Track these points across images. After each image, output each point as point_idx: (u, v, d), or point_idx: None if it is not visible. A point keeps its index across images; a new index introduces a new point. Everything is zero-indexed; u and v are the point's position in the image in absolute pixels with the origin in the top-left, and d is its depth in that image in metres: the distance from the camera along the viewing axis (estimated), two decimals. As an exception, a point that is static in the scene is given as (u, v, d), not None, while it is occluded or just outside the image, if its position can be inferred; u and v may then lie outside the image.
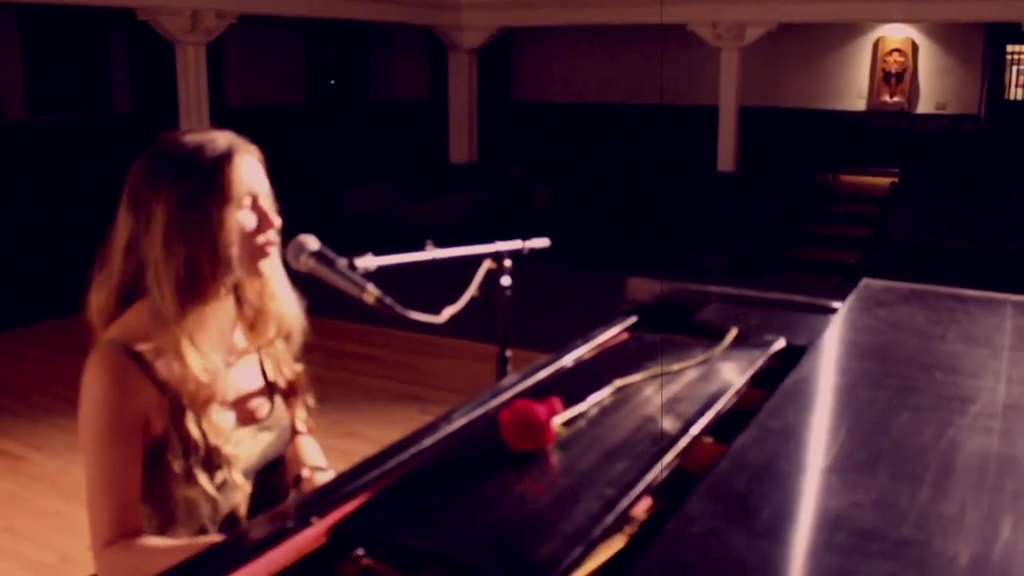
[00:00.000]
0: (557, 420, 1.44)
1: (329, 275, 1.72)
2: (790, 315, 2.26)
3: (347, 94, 14.88)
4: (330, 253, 1.73)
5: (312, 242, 1.74)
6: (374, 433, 4.89)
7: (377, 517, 1.24)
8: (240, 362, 1.78)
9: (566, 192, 11.73)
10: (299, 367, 1.90)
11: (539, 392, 1.73)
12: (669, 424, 1.49)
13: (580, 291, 7.95)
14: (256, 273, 1.72)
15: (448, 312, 1.89)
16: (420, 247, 2.04)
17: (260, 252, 1.69)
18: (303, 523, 1.28)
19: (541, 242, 2.39)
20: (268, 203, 1.71)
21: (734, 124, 11.63)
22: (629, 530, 1.35)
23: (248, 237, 1.67)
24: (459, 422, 1.58)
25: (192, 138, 1.66)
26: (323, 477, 1.85)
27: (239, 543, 1.29)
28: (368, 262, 1.81)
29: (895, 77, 13.79)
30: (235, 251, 1.65)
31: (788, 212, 11.14)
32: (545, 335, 6.20)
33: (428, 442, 1.49)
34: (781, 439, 1.29)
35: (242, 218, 1.66)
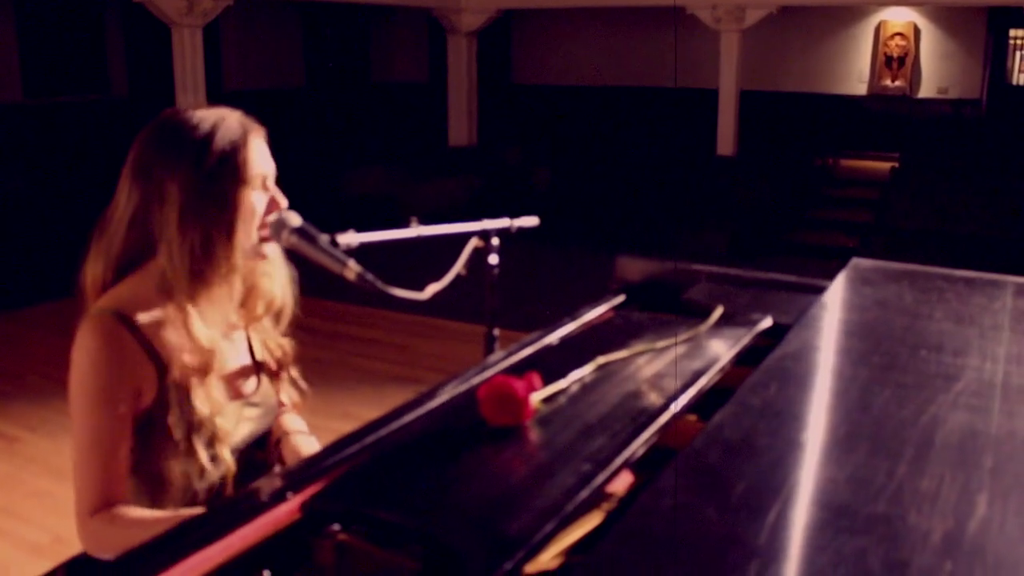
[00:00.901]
0: (536, 396, 1.43)
1: (311, 251, 1.70)
2: (779, 295, 2.25)
3: (346, 77, 14.81)
4: (312, 229, 1.72)
5: (294, 218, 1.72)
6: (369, 414, 4.76)
7: (350, 491, 1.23)
8: (231, 337, 1.79)
9: (565, 175, 11.67)
10: (286, 342, 1.90)
11: (522, 369, 1.72)
12: (650, 400, 1.48)
13: (578, 274, 7.92)
14: (262, 255, 1.73)
15: (432, 289, 1.88)
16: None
17: (267, 234, 1.70)
18: (279, 498, 1.27)
19: (530, 220, 2.37)
20: (274, 183, 1.72)
21: (734, 107, 11.55)
22: (607, 506, 1.35)
23: (259, 218, 1.69)
24: (440, 399, 1.57)
25: (204, 117, 1.66)
26: (304, 440, 1.87)
27: (213, 518, 1.28)
28: (350, 239, 1.80)
29: (897, 61, 13.69)
30: (247, 232, 1.67)
31: (787, 196, 11.07)
32: (540, 318, 6.21)
33: (408, 418, 1.49)
34: (760, 415, 1.28)
35: (256, 199, 1.67)
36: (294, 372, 1.93)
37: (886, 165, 12.14)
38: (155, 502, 1.67)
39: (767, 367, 1.47)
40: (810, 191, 11.91)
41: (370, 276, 1.67)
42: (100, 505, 1.58)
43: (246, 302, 1.81)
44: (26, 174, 10.00)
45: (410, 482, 1.26)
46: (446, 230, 2.12)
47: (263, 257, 1.73)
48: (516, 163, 12.42)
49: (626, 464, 1.27)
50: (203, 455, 1.64)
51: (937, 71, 13.58)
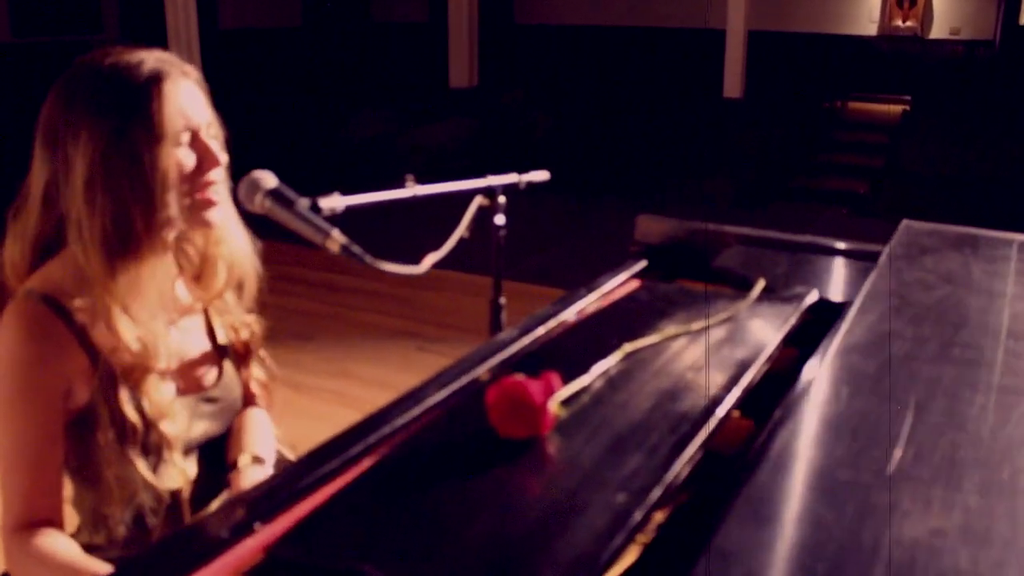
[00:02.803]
0: (556, 399, 1.19)
1: (288, 218, 1.46)
2: (820, 261, 2.01)
3: (344, 16, 14.40)
4: (290, 192, 1.47)
5: (269, 179, 1.47)
6: (368, 372, 4.63)
7: (324, 534, 0.99)
8: (183, 321, 1.54)
9: (568, 117, 11.36)
10: (253, 320, 1.66)
11: (535, 356, 1.48)
12: (690, 402, 1.24)
13: (581, 221, 7.67)
14: (203, 224, 1.46)
15: (429, 261, 1.64)
16: (413, 173, 1.77)
17: (204, 198, 1.43)
18: (243, 531, 1.03)
19: (540, 175, 2.13)
20: (211, 136, 1.43)
21: (741, 48, 11.25)
22: (643, 538, 1.12)
23: (188, 180, 1.40)
24: (437, 397, 1.32)
25: (113, 60, 1.38)
26: (258, 474, 1.59)
27: (166, 558, 1.04)
28: (335, 202, 1.54)
29: (908, 1, 13.35)
30: (173, 198, 1.39)
31: (796, 139, 10.81)
32: (544, 269, 5.95)
33: (399, 422, 1.24)
34: (833, 434, 1.03)
35: (180, 157, 1.39)
36: (263, 353, 1.69)
37: (897, 108, 11.89)
38: (98, 510, 1.46)
39: (831, 365, 1.23)
40: (819, 134, 11.64)
41: (357, 249, 1.43)
42: (27, 521, 1.36)
43: (201, 276, 1.56)
44: (14, 116, 9.70)
45: (397, 519, 1.02)
46: (446, 188, 1.86)
47: (207, 225, 1.46)
48: (518, 105, 12.08)
49: (669, 491, 1.03)
50: (140, 464, 1.41)
51: (949, 11, 13.23)
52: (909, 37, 13.37)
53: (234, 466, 1.58)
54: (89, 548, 1.50)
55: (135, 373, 1.39)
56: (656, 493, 0.99)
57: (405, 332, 5.30)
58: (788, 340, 1.57)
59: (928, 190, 8.77)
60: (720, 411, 1.20)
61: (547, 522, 0.97)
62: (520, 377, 1.17)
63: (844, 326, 1.38)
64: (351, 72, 13.64)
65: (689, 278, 2.01)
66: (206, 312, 1.60)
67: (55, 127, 1.36)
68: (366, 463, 1.15)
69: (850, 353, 1.26)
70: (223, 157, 1.43)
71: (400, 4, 15.28)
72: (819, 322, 1.66)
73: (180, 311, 1.54)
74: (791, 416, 1.10)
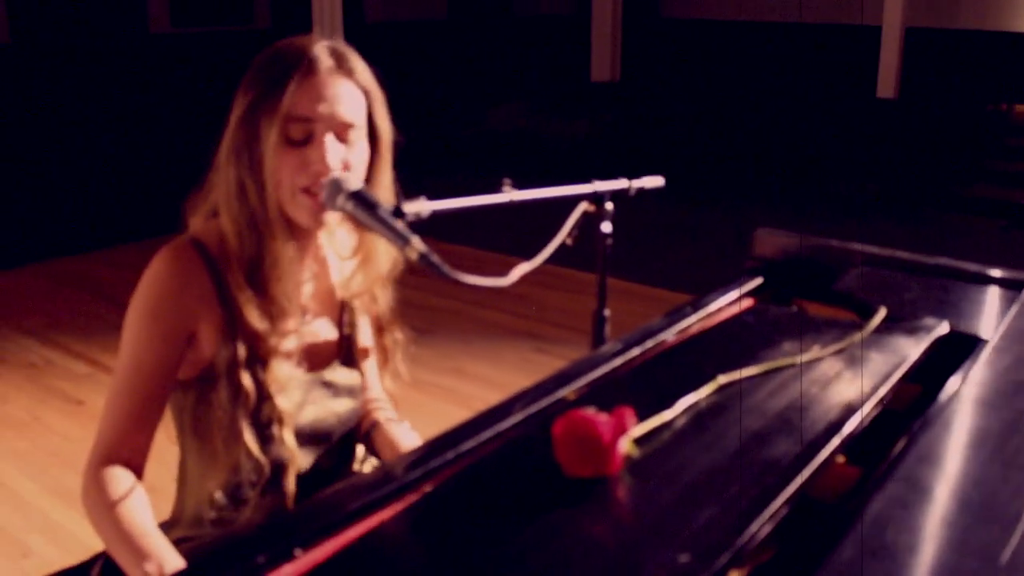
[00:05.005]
0: (627, 438, 1.08)
1: (370, 221, 1.39)
2: (957, 287, 1.82)
3: (488, 8, 14.48)
4: (371, 196, 1.40)
5: (352, 181, 1.41)
6: (483, 371, 4.57)
7: (361, 569, 0.91)
8: (319, 308, 1.56)
9: (711, 114, 11.08)
10: (394, 324, 1.66)
11: (619, 383, 1.37)
12: (783, 447, 1.11)
13: (714, 228, 7.41)
14: (307, 222, 1.45)
15: (518, 272, 1.54)
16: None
17: (305, 199, 1.41)
18: (282, 557, 0.97)
19: (653, 181, 2.00)
20: (339, 139, 1.42)
21: (898, 45, 10.75)
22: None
23: (293, 171, 1.40)
24: (514, 419, 1.23)
25: (291, 43, 1.44)
26: (399, 429, 1.66)
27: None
28: (420, 207, 1.46)
29: (1090, -5, 12.50)
30: (279, 183, 1.40)
31: (953, 145, 10.24)
32: (665, 272, 5.75)
33: (467, 446, 1.16)
34: (938, 503, 0.88)
35: (287, 144, 1.39)
36: (399, 360, 1.68)
37: (1073, 112, 11.16)
38: (205, 472, 1.48)
39: (951, 416, 1.07)
40: (980, 140, 11.01)
41: (436, 258, 1.35)
42: (109, 455, 1.36)
43: (353, 269, 1.57)
44: (171, 104, 10.08)
45: (440, 558, 0.93)
46: (547, 194, 1.76)
47: (318, 224, 1.45)
48: (660, 101, 11.88)
49: (744, 552, 0.91)
50: (247, 433, 1.42)
51: None
52: (1091, 33, 12.53)
53: (370, 433, 1.67)
54: (176, 524, 1.52)
55: (259, 342, 1.41)
56: (724, 558, 0.87)
57: (524, 332, 5.21)
58: (912, 376, 1.42)
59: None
60: (816, 461, 1.07)
61: (598, 582, 0.86)
62: (590, 411, 1.07)
63: (972, 371, 1.22)
64: (495, 65, 13.69)
65: (807, 299, 1.86)
66: (342, 306, 1.59)
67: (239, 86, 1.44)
68: (424, 489, 1.07)
69: (975, 404, 1.10)
70: (333, 163, 1.39)
71: (545, -3, 15.27)
72: (951, 358, 1.49)
73: (319, 300, 1.55)
74: (894, 476, 0.95)
